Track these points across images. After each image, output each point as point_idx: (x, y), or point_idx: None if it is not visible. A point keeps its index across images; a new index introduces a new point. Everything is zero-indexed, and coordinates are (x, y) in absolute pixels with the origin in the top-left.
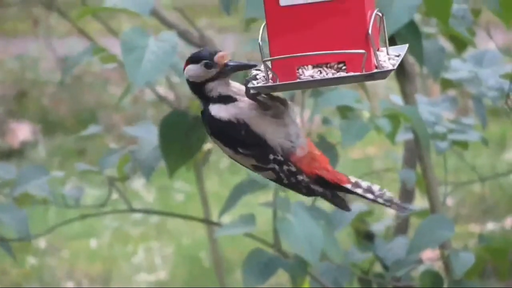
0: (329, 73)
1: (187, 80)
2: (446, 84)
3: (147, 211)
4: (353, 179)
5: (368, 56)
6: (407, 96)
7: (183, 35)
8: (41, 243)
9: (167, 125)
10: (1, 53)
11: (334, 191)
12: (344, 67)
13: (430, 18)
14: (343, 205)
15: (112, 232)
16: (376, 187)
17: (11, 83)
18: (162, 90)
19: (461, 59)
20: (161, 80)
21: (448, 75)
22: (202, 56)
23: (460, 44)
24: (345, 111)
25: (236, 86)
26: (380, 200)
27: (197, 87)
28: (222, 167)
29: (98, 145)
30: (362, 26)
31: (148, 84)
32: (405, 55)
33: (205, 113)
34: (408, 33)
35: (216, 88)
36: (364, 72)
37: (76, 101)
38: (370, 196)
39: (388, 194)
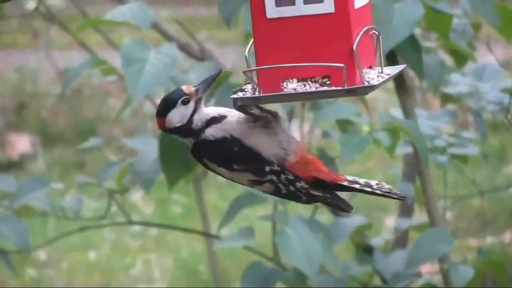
0: (312, 87)
1: (173, 130)
2: (446, 98)
3: (146, 224)
4: (349, 177)
5: (352, 71)
6: (407, 110)
7: (184, 48)
8: (41, 255)
9: (166, 138)
10: (1, 65)
11: (333, 192)
12: (328, 82)
13: (430, 32)
14: (345, 205)
15: (111, 244)
16: (373, 182)
17: (11, 95)
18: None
19: (461, 73)
20: (161, 93)
21: (448, 89)
22: (173, 99)
23: (460, 58)
24: (344, 125)
25: (216, 109)
26: (378, 191)
27: (185, 129)
28: (220, 181)
29: (98, 158)
30: (347, 41)
31: (148, 97)
32: (403, 70)
33: (195, 144)
34: (408, 47)
35: (201, 118)
36: (345, 87)
37: (76, 113)
38: (368, 189)
39: (387, 186)
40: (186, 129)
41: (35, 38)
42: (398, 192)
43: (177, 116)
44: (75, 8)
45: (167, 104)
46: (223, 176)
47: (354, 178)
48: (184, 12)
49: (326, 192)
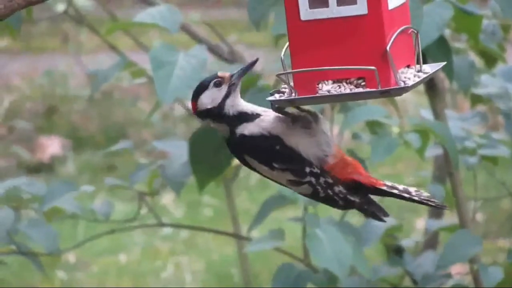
0: (347, 89)
1: (204, 112)
2: (476, 99)
3: (177, 226)
4: (388, 183)
5: (386, 72)
6: (437, 111)
7: (213, 51)
8: (71, 258)
9: (197, 140)
10: (31, 70)
11: (370, 199)
12: (363, 83)
13: (460, 34)
14: (380, 212)
15: (141, 247)
16: (412, 189)
17: (41, 99)
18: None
19: (491, 75)
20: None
21: (477, 91)
22: (206, 82)
23: (490, 60)
24: (374, 127)
25: (250, 104)
26: (416, 198)
27: (217, 112)
28: (251, 183)
29: (127, 161)
30: (381, 42)
31: (178, 100)
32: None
33: (233, 138)
34: (438, 49)
35: (233, 104)
36: (379, 88)
37: (106, 117)
38: (406, 195)
39: (425, 194)
40: (218, 113)
41: (65, 42)
42: (437, 201)
43: (209, 98)
44: (104, 11)
45: (200, 87)
46: (262, 174)
47: (393, 184)
48: (214, 14)
49: (364, 196)
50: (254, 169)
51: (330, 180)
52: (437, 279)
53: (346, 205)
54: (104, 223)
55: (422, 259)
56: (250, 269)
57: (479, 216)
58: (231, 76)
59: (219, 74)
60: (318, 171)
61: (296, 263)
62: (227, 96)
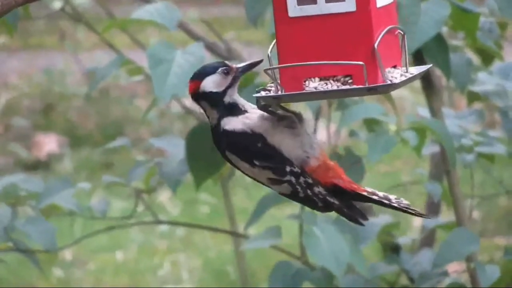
0: (333, 86)
1: (203, 95)
2: (473, 97)
3: (174, 223)
4: (369, 189)
5: (373, 70)
6: (434, 109)
7: (211, 48)
8: (67, 255)
9: (193, 138)
10: (28, 67)
11: (350, 202)
12: (350, 81)
13: (457, 31)
14: (360, 216)
15: (138, 245)
16: (392, 196)
17: (38, 96)
18: (188, 102)
19: (488, 72)
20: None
21: (474, 88)
22: (214, 67)
23: (487, 57)
24: (371, 124)
25: (244, 101)
26: (395, 205)
27: (216, 98)
28: (248, 181)
29: (125, 159)
30: (369, 39)
31: (175, 97)
32: (431, 69)
33: (217, 129)
34: (435, 46)
35: (232, 95)
36: (366, 85)
37: (103, 114)
38: (386, 201)
39: (405, 202)
40: (217, 99)
41: (62, 39)
42: (415, 209)
43: (215, 82)
44: (101, 9)
45: (207, 69)
46: (243, 172)
47: (374, 190)
48: (211, 12)
49: (344, 201)
50: (235, 166)
51: (310, 181)
52: (434, 277)
53: (325, 207)
54: (101, 221)
55: (419, 257)
56: (247, 267)
57: (476, 214)
58: (237, 68)
59: (228, 63)
60: (299, 171)
61: (293, 261)
62: (230, 86)
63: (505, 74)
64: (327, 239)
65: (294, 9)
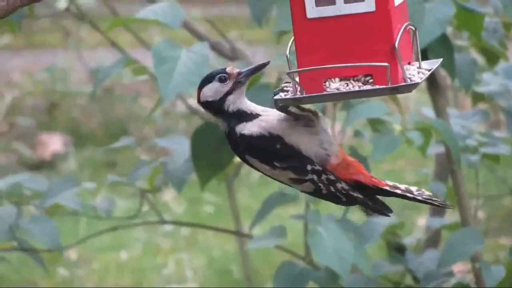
0: (355, 86)
1: (205, 104)
2: (478, 97)
3: (179, 223)
4: (390, 182)
5: (394, 69)
6: (438, 109)
7: (215, 47)
8: (72, 254)
9: (198, 137)
10: (32, 65)
11: (373, 196)
12: (371, 80)
13: (461, 31)
14: (385, 209)
15: (142, 244)
16: (414, 188)
17: (42, 95)
18: (193, 102)
19: (492, 72)
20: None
21: (479, 88)
22: (212, 75)
23: (492, 57)
24: (376, 124)
25: (252, 104)
26: (420, 197)
27: (217, 106)
28: (252, 180)
29: (129, 158)
30: (389, 39)
31: (180, 96)
32: (436, 68)
33: (232, 134)
34: (439, 46)
35: (234, 101)
36: (389, 85)
37: (107, 113)
38: (409, 195)
39: (427, 193)
40: (218, 107)
41: (66, 38)
42: (439, 199)
43: (211, 90)
44: (105, 7)
45: (206, 79)
46: (264, 173)
47: (395, 183)
48: (214, 11)
49: (367, 195)
50: (255, 168)
51: (331, 177)
52: (439, 277)
53: (349, 201)
54: (105, 220)
55: (424, 257)
56: (251, 266)
57: (481, 214)
58: (239, 73)
59: (228, 69)
60: (320, 168)
61: (298, 260)
62: (229, 92)
63: (509, 74)
64: (332, 238)
65: (312, 10)
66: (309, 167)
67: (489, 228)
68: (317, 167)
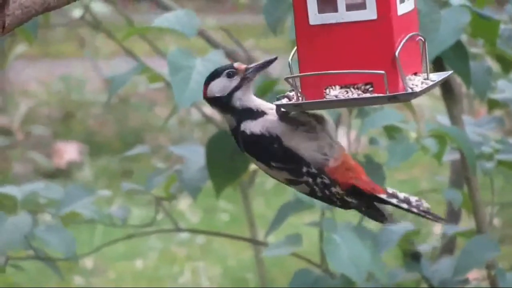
0: (354, 94)
1: (212, 99)
2: (493, 104)
3: (194, 231)
4: (390, 190)
5: (394, 78)
6: (454, 116)
7: (230, 56)
8: (88, 263)
9: (213, 145)
10: (47, 75)
11: (370, 203)
12: (371, 89)
13: (476, 39)
14: (380, 216)
15: (158, 252)
16: (413, 198)
17: (57, 104)
18: (208, 110)
19: (507, 80)
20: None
21: (494, 96)
22: (220, 70)
23: (507, 64)
24: (391, 132)
25: (259, 100)
26: (414, 210)
27: (224, 102)
28: (267, 188)
29: (144, 166)
30: (390, 47)
31: (195, 105)
32: (451, 76)
33: (237, 130)
34: (454, 54)
35: (241, 97)
36: (387, 94)
37: (122, 122)
38: (404, 205)
39: (426, 205)
40: (225, 103)
41: (81, 47)
42: (434, 213)
43: (219, 86)
44: (120, 16)
45: (213, 74)
46: (261, 169)
47: (394, 191)
48: (229, 20)
49: (362, 200)
50: (256, 164)
51: (326, 181)
52: (454, 285)
53: (343, 205)
54: (121, 228)
55: (439, 264)
56: (267, 274)
57: (496, 221)
58: (247, 69)
59: (235, 65)
60: (315, 172)
61: (313, 268)
62: (237, 88)
63: None
64: (347, 246)
65: (315, 17)
66: (304, 169)
67: (505, 236)
68: (313, 170)
